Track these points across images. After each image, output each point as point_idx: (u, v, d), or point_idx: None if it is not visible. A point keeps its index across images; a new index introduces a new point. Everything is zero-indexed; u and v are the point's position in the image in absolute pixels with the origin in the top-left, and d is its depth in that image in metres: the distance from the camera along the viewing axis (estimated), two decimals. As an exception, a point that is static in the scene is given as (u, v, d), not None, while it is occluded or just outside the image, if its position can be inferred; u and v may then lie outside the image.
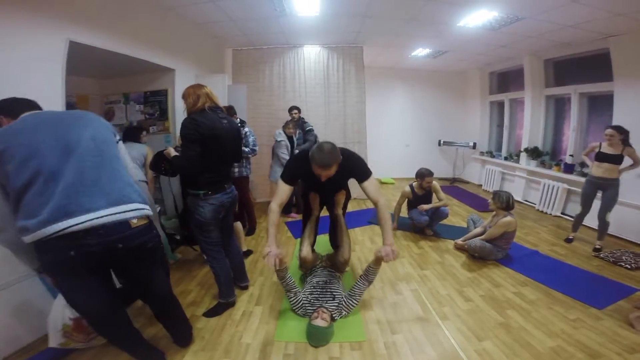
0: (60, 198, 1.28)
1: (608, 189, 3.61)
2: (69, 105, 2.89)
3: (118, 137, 1.64)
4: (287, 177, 2.40)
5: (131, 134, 3.40)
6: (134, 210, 1.45)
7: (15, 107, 1.51)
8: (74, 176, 1.33)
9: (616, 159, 3.51)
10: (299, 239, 3.68)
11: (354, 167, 2.40)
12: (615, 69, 4.33)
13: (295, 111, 4.83)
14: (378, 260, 2.34)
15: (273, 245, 2.21)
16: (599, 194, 3.72)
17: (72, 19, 2.51)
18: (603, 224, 3.68)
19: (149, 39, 3.44)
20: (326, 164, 2.17)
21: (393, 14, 4.13)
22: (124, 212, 1.41)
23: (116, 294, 1.67)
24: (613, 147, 3.52)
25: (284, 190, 2.38)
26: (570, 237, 4.03)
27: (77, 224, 1.27)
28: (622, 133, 3.45)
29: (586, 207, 3.87)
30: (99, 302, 1.46)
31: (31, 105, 1.56)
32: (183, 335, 2.02)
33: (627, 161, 3.53)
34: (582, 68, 5.08)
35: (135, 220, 1.44)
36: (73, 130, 1.43)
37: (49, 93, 2.32)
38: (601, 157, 3.60)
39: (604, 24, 3.85)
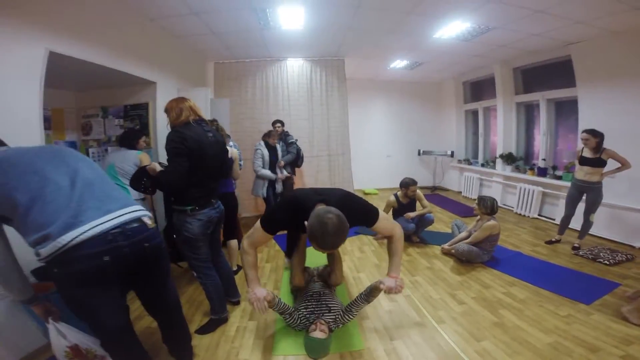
0: (78, 203, 1.26)
1: (590, 192, 3.71)
2: (44, 119, 2.75)
3: None
4: (268, 226, 2.05)
5: (127, 140, 3.01)
6: (142, 211, 1.45)
7: None
8: (83, 188, 1.32)
9: (595, 163, 3.60)
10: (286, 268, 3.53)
11: (358, 217, 2.06)
12: (577, 74, 4.61)
13: (279, 125, 4.80)
14: (379, 289, 2.21)
15: (257, 288, 2.06)
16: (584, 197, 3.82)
17: (52, 28, 2.42)
18: (587, 224, 3.81)
19: (130, 50, 3.36)
20: (334, 245, 1.81)
21: (374, 26, 4.27)
22: (136, 211, 1.41)
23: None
24: (591, 150, 3.63)
25: (261, 238, 2.08)
26: (554, 240, 4.12)
27: (103, 223, 1.24)
28: (597, 136, 3.56)
29: (570, 209, 3.95)
30: (122, 316, 1.42)
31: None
32: (185, 349, 1.90)
33: (613, 164, 3.59)
34: (548, 75, 5.38)
35: (149, 221, 1.45)
36: (66, 154, 1.45)
37: (25, 105, 2.21)
38: (582, 161, 3.73)
39: (565, 32, 4.13)
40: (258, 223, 2.07)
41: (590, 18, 3.63)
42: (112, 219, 1.29)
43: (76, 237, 1.18)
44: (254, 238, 2.09)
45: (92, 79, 3.46)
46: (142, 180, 2.16)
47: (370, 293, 2.24)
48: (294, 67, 5.84)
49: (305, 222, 1.80)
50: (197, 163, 2.04)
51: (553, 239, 4.13)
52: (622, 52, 4.01)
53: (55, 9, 2.44)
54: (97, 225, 1.23)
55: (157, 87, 3.87)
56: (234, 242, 3.21)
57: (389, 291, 2.12)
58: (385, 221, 2.19)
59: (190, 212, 2.10)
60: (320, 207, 1.85)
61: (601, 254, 3.60)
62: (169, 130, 2.09)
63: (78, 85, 3.79)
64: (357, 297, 2.30)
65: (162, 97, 3.80)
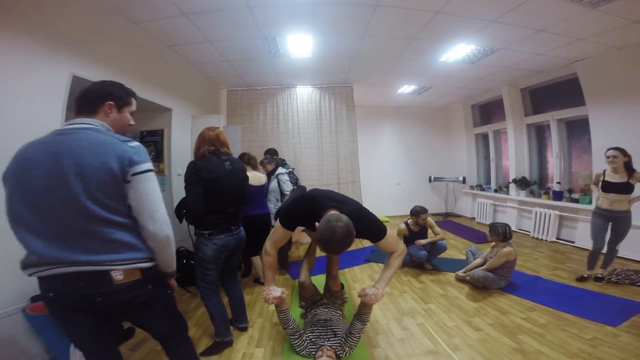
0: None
1: (618, 222, 3.23)
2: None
3: (138, 169, 1.26)
4: (286, 223, 2.17)
5: None
6: (119, 265, 1.24)
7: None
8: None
9: (624, 188, 3.12)
10: (297, 280, 3.61)
11: (366, 230, 2.07)
12: (585, 92, 4.56)
13: (268, 155, 4.50)
14: (365, 305, 2.17)
15: (273, 287, 2.18)
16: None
17: (77, 54, 2.54)
18: (612, 252, 3.38)
19: (148, 77, 3.49)
20: (339, 251, 1.87)
21: (381, 52, 4.43)
22: (105, 265, 1.21)
23: (108, 330, 1.50)
24: (618, 173, 3.17)
25: (281, 236, 2.20)
26: (585, 275, 3.49)
27: (52, 268, 1.18)
28: (626, 155, 3.13)
29: (599, 242, 3.38)
30: (91, 338, 1.32)
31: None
32: None
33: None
34: (556, 94, 5.36)
35: (120, 277, 1.22)
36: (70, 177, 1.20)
37: (48, 127, 2.28)
38: (607, 187, 3.22)
39: (569, 49, 4.16)
40: (277, 222, 2.19)
41: (590, 34, 3.66)
42: (63, 271, 1.17)
43: (32, 273, 1.18)
44: (275, 238, 2.22)
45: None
46: (183, 211, 2.31)
47: (360, 311, 2.18)
48: (304, 95, 5.94)
49: (317, 224, 1.88)
50: (212, 191, 2.21)
51: (585, 275, 3.50)
52: (628, 67, 4.00)
53: (79, 35, 2.58)
54: (47, 269, 1.17)
55: (173, 113, 3.97)
56: (257, 259, 3.49)
57: (365, 291, 2.09)
58: (392, 239, 2.20)
59: (207, 236, 2.24)
60: (333, 213, 1.90)
61: (628, 275, 3.41)
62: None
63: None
64: (353, 318, 2.25)
65: (177, 124, 3.92)
